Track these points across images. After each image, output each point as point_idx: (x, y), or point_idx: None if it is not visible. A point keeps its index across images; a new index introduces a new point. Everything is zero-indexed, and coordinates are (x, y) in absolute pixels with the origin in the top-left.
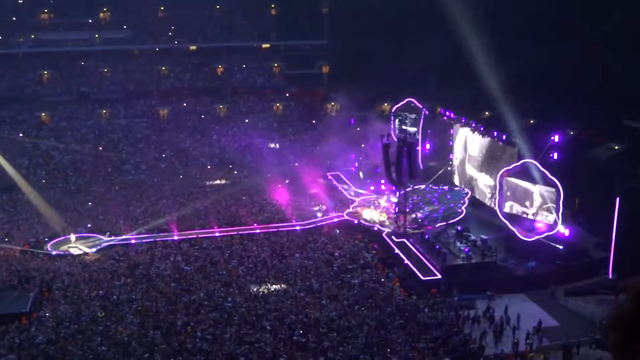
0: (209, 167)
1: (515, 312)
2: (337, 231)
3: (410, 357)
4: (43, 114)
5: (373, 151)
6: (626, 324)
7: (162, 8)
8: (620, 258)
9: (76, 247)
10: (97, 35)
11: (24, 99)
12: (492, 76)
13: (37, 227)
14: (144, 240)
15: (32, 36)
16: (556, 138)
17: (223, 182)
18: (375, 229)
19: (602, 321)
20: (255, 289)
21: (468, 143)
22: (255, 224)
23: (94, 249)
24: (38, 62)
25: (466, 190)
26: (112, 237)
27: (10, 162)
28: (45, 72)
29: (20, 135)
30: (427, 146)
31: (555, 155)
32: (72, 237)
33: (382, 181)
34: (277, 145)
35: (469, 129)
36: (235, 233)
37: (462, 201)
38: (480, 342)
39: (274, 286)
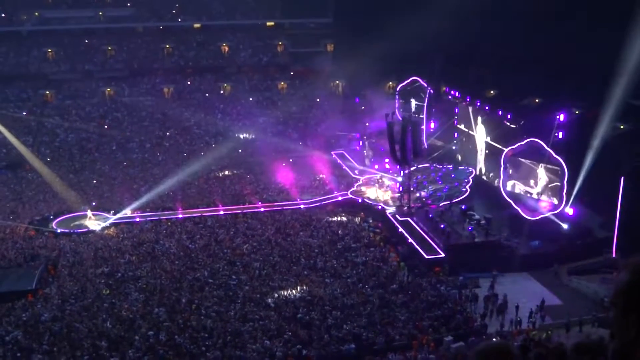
0: (213, 145)
1: (518, 290)
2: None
3: (413, 334)
4: (47, 92)
5: (377, 130)
6: (624, 297)
7: None
8: (624, 237)
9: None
10: (100, 13)
11: (29, 77)
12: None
13: (43, 204)
14: (148, 219)
15: (36, 14)
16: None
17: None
18: (379, 207)
19: (604, 298)
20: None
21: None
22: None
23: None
24: (42, 40)
25: (470, 169)
26: (117, 215)
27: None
28: (50, 50)
29: (25, 113)
30: (432, 125)
31: (561, 135)
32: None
33: (387, 160)
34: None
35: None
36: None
37: (466, 180)
38: (482, 320)
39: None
